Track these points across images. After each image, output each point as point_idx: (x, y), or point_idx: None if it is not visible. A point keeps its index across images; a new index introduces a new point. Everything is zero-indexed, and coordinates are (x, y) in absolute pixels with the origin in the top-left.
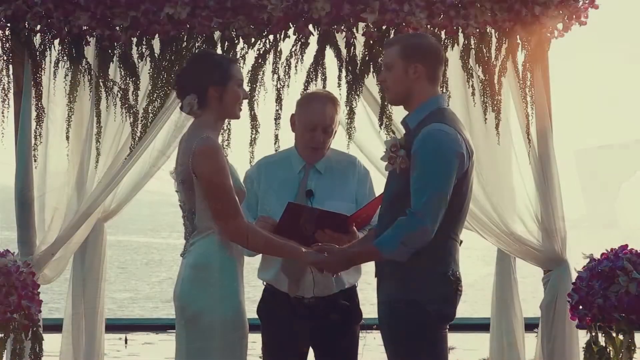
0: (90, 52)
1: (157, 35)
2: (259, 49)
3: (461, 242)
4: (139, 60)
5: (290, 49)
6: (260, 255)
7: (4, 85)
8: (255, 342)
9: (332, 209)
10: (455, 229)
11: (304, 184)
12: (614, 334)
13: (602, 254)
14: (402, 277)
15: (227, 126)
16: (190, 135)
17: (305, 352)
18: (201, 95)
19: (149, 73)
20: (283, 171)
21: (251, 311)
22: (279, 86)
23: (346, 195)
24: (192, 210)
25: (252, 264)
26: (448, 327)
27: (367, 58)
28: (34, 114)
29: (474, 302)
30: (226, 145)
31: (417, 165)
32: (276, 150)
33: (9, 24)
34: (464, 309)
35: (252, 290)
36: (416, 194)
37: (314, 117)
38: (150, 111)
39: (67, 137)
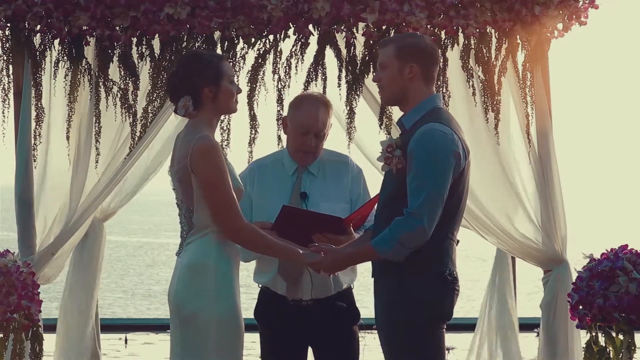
0: (90, 52)
1: (157, 35)
2: (259, 49)
3: (458, 241)
4: (139, 60)
5: (291, 49)
6: (255, 260)
7: (4, 85)
8: (254, 342)
9: (327, 210)
10: (452, 229)
11: (298, 186)
12: (614, 334)
13: (602, 254)
14: (398, 277)
15: (226, 126)
16: (188, 134)
17: (305, 355)
18: (195, 96)
19: (148, 73)
20: (276, 173)
21: (248, 311)
22: (279, 86)
23: (340, 196)
24: (190, 208)
25: (248, 265)
26: (446, 326)
27: (367, 58)
28: (34, 114)
29: (474, 302)
30: (226, 145)
31: (414, 165)
32: None
33: (9, 24)
34: (465, 309)
35: (249, 291)
36: (413, 194)
37: (307, 121)
38: (149, 111)
39: (67, 137)
